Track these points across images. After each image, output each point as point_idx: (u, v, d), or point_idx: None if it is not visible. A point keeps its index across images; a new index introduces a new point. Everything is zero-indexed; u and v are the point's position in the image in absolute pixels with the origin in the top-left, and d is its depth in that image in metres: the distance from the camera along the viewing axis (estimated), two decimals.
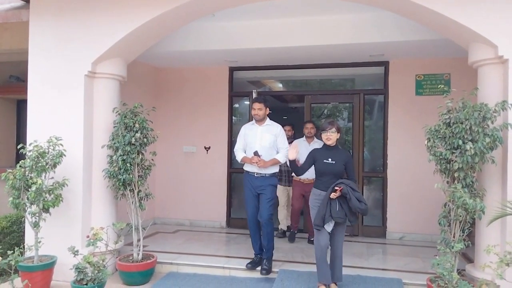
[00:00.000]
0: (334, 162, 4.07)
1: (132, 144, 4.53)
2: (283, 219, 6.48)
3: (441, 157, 3.81)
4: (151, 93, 7.22)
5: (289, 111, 9.72)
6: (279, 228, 6.48)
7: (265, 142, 4.74)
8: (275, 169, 4.77)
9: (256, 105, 4.74)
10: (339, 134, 4.15)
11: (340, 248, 4.20)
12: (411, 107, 6.35)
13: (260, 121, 4.80)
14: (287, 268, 4.83)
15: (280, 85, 7.72)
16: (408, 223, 6.37)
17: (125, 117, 4.62)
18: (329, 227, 3.98)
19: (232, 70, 7.06)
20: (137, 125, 4.56)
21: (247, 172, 4.81)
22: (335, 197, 3.89)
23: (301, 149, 5.44)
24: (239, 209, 7.11)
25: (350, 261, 5.11)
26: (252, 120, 4.94)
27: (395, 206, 6.43)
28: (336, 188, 3.87)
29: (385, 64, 6.48)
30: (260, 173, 4.70)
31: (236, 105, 7.34)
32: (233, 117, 7.19)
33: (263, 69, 6.97)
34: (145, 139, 4.63)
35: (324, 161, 4.10)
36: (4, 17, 4.79)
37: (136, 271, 4.57)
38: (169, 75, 7.32)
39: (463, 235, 3.86)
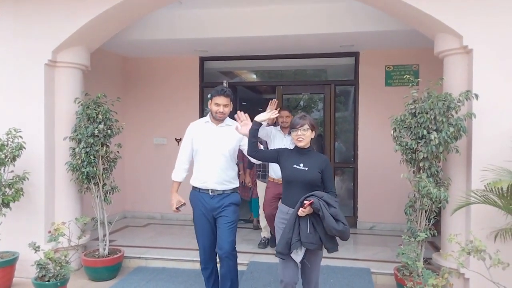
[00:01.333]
0: (306, 168, 2.99)
1: (96, 136, 4.39)
2: (267, 226, 5.41)
3: (406, 147, 3.83)
4: (119, 84, 7.03)
5: (263, 102, 9.65)
6: (262, 237, 5.52)
7: (225, 149, 3.52)
8: (236, 183, 3.64)
9: (222, 100, 3.48)
10: (313, 132, 3.09)
11: (316, 284, 3.16)
12: (380, 98, 6.38)
13: (220, 120, 3.57)
14: (257, 260, 4.81)
15: (254, 76, 7.65)
16: (378, 213, 6.43)
17: (88, 107, 4.46)
18: (297, 256, 2.93)
19: (202, 60, 6.94)
20: (100, 116, 4.42)
21: (197, 189, 3.58)
22: (304, 214, 2.82)
23: (275, 141, 4.85)
24: None
25: None
26: (205, 117, 3.75)
27: (365, 196, 6.48)
28: (305, 202, 2.80)
29: (355, 55, 6.48)
30: (217, 190, 3.49)
31: (209, 96, 7.22)
32: (204, 109, 7.08)
33: (234, 59, 6.89)
34: (109, 131, 4.49)
35: (294, 166, 3.02)
36: None
37: (102, 266, 4.46)
38: (138, 65, 7.15)
39: (429, 224, 3.90)
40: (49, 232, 3.95)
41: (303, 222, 2.86)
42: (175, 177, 3.74)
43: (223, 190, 3.51)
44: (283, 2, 5.30)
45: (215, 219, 3.54)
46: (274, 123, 5.25)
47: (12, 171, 4.25)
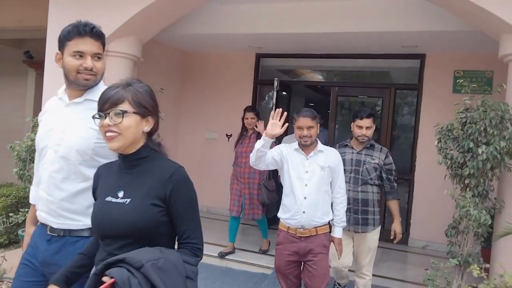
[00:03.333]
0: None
1: None
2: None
3: (452, 160, 3.40)
4: (177, 77, 7.19)
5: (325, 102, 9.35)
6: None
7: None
8: None
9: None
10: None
11: None
12: (447, 105, 5.77)
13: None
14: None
15: (313, 75, 7.41)
16: (433, 231, 5.84)
17: None
18: None
19: (259, 56, 6.85)
20: None
21: None
22: None
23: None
24: None
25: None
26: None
27: (420, 211, 5.94)
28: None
29: (421, 57, 5.96)
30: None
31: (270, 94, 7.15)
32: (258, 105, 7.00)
33: (290, 57, 6.70)
34: None
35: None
36: None
37: None
38: (196, 59, 7.25)
39: (477, 249, 3.44)
40: None
41: None
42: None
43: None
44: None
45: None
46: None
47: None
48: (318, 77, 7.40)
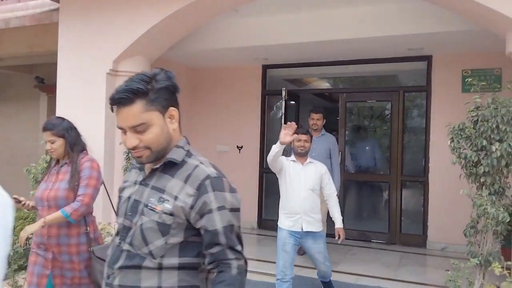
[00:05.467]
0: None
1: None
2: None
3: (466, 159, 3.38)
4: (185, 93, 7.27)
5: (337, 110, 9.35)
6: None
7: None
8: None
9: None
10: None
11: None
12: (457, 105, 5.74)
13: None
14: (302, 274, 4.59)
15: (319, 83, 7.44)
16: (451, 233, 5.76)
17: None
18: None
19: (265, 68, 6.91)
20: None
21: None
22: None
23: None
24: (271, 210, 6.93)
25: (376, 271, 4.74)
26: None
27: (437, 213, 5.88)
28: None
29: (427, 59, 5.96)
30: None
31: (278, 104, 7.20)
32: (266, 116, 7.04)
33: (296, 67, 6.75)
34: None
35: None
36: (38, 19, 5.07)
37: None
38: (203, 74, 7.34)
39: (497, 247, 3.40)
40: None
41: None
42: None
43: None
44: (342, 6, 5.07)
45: None
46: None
47: None
48: (325, 85, 7.43)
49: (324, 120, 5.20)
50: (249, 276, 4.56)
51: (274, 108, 7.30)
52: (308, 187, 3.63)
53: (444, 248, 5.82)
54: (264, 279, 4.56)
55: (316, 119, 5.07)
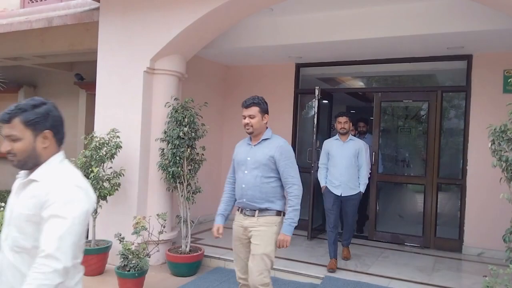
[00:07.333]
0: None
1: (181, 138, 4.63)
2: None
3: (507, 162, 3.26)
4: (220, 91, 7.35)
5: (367, 109, 9.22)
6: None
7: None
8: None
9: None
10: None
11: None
12: (498, 106, 5.54)
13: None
14: (334, 275, 4.55)
15: (354, 82, 7.34)
16: (489, 238, 5.58)
17: (176, 111, 4.74)
18: None
19: (299, 66, 6.88)
20: (186, 120, 4.65)
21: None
22: None
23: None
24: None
25: (409, 275, 4.65)
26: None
27: (474, 217, 5.69)
28: None
29: (467, 58, 5.77)
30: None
31: (310, 103, 7.16)
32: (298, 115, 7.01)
33: (330, 65, 6.68)
34: (193, 134, 4.70)
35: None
36: (79, 18, 5.23)
37: (182, 262, 4.67)
38: (238, 73, 7.38)
39: None
40: (134, 226, 4.26)
41: None
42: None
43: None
44: (377, 3, 4.98)
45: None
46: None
47: (110, 168, 4.71)
48: (359, 84, 7.32)
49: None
50: (280, 275, 4.59)
51: (306, 107, 7.25)
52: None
53: (481, 253, 5.63)
54: (294, 279, 4.56)
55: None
